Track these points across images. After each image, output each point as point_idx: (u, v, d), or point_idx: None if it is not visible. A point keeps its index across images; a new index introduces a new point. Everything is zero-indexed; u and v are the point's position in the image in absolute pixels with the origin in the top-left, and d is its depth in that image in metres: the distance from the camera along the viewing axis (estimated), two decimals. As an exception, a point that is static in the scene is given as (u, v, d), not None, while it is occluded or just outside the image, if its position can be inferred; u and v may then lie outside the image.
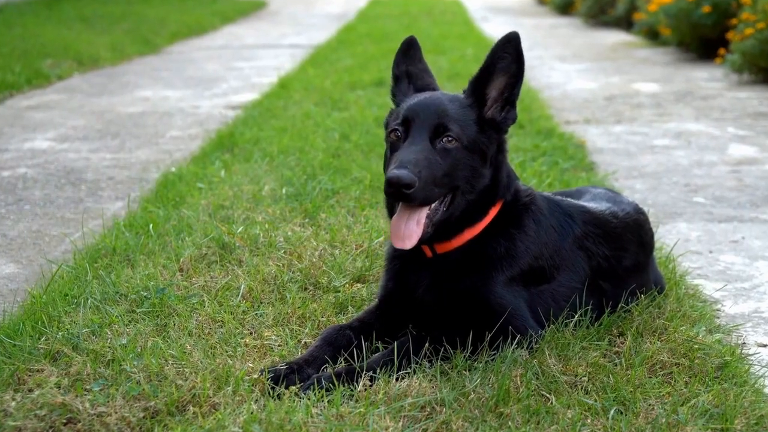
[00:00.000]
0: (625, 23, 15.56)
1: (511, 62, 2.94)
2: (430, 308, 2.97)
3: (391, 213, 3.04)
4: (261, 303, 3.36)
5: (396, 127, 2.91)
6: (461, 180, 2.89)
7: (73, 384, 2.68)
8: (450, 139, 2.86)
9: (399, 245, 2.81)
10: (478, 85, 2.97)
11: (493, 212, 3.01)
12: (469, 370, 2.76)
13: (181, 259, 3.76)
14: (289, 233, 4.08)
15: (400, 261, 3.09)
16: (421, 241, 2.84)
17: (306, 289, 3.52)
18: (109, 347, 2.89)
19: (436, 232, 2.90)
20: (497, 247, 2.97)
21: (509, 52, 2.93)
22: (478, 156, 2.92)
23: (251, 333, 3.11)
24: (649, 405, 2.62)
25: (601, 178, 5.41)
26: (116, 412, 2.51)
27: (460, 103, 2.95)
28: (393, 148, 2.90)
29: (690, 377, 2.79)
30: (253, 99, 8.66)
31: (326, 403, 2.55)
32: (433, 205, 2.84)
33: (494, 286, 2.92)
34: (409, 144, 2.83)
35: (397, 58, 3.15)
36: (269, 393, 2.62)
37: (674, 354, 2.92)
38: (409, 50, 3.16)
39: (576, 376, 2.76)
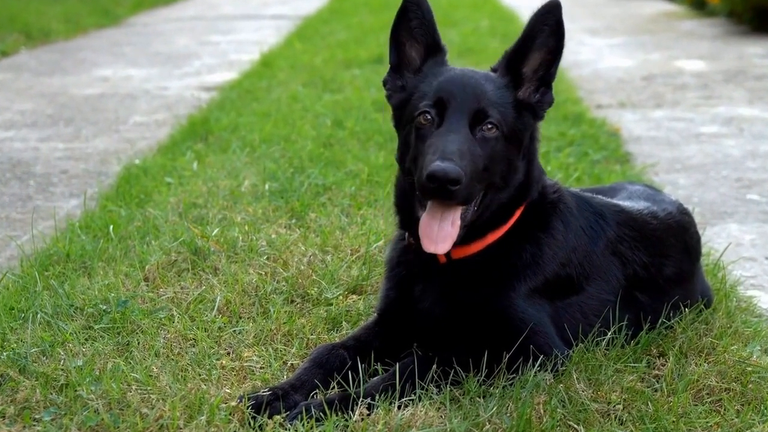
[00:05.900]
0: (667, -10, 15.56)
1: (549, 35, 2.95)
2: (439, 323, 2.98)
3: (402, 207, 3.04)
4: (240, 318, 3.37)
5: (426, 109, 2.88)
6: (497, 175, 2.90)
7: (20, 413, 2.68)
8: (490, 127, 2.86)
9: (432, 249, 2.81)
10: (514, 62, 2.98)
11: (518, 212, 3.02)
12: (484, 397, 2.76)
13: (147, 267, 3.76)
14: (273, 236, 4.08)
15: (404, 268, 3.09)
16: (454, 244, 2.83)
17: (293, 301, 3.53)
18: (62, 370, 2.89)
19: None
20: (522, 253, 2.98)
21: (548, 24, 2.94)
22: (516, 146, 2.94)
23: (228, 353, 3.11)
24: (695, 437, 2.63)
25: (638, 172, 5.42)
26: (71, 446, 2.51)
27: (496, 83, 2.95)
28: (422, 134, 2.87)
29: (742, 405, 2.80)
30: (230, 79, 8.67)
31: (316, 436, 2.55)
32: None
33: (515, 298, 2.92)
34: (447, 131, 2.82)
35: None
36: (249, 423, 2.62)
37: (724, 378, 2.93)
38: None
39: (609, 403, 2.77)
